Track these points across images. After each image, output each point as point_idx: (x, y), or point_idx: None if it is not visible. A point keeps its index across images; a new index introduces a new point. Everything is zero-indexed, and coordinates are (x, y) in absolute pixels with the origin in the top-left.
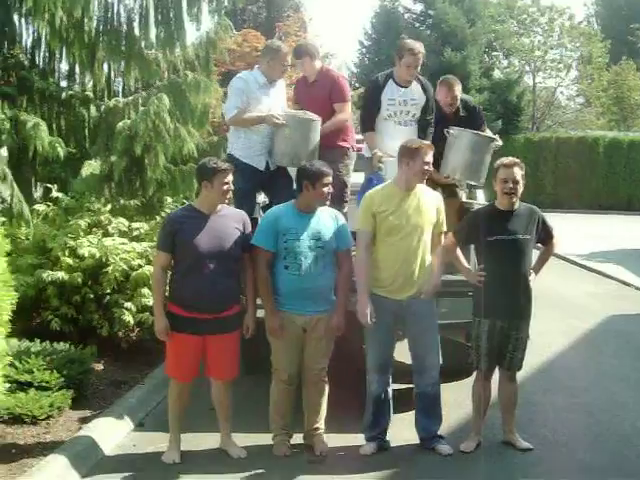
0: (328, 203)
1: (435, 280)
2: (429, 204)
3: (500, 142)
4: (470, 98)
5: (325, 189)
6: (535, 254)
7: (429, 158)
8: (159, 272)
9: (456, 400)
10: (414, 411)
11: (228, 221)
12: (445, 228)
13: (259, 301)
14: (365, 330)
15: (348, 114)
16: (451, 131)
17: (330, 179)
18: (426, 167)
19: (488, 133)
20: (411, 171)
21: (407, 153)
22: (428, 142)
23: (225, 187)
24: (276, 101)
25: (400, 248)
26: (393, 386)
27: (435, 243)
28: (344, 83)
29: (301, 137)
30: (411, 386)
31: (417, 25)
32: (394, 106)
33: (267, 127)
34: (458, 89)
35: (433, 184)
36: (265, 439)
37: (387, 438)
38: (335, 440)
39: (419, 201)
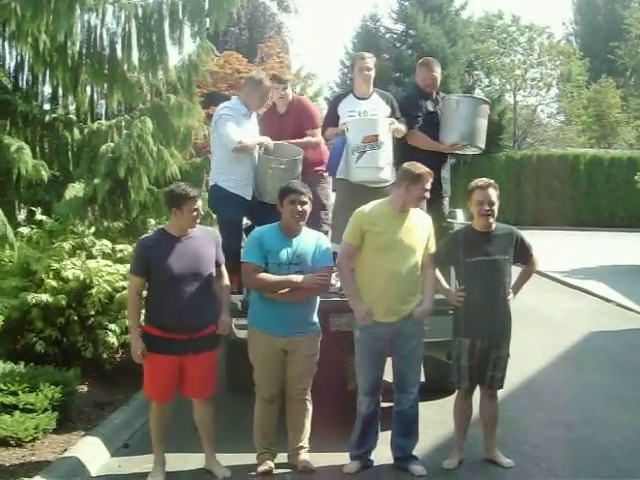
0: (302, 223)
1: (427, 304)
2: (420, 226)
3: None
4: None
5: (293, 206)
6: (516, 271)
7: (429, 185)
8: (134, 296)
9: (439, 418)
10: (391, 430)
11: (200, 242)
12: (434, 250)
13: (244, 321)
14: (356, 354)
15: (320, 138)
16: (453, 97)
17: (304, 198)
18: (425, 194)
19: None
20: (410, 195)
21: (409, 177)
22: (428, 170)
23: (194, 213)
24: (255, 132)
25: (389, 268)
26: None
27: (426, 265)
28: (314, 109)
29: (293, 176)
30: (392, 404)
31: (398, 45)
32: (354, 117)
33: (251, 158)
34: (437, 70)
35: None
36: (250, 458)
37: (371, 457)
38: (319, 459)
39: (411, 222)
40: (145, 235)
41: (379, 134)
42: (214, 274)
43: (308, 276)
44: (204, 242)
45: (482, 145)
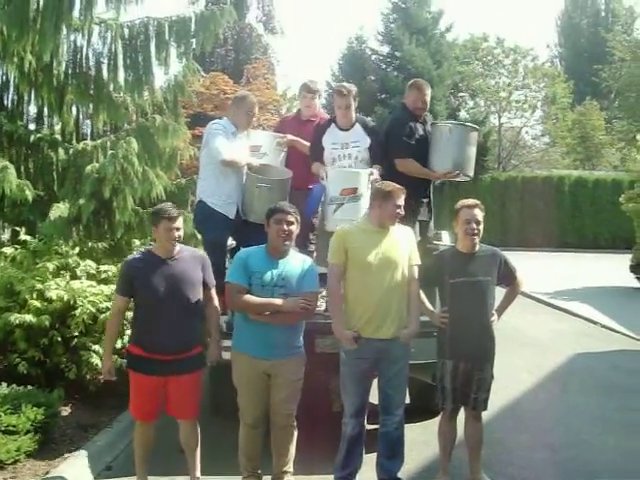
0: (289, 243)
1: (413, 326)
2: (402, 240)
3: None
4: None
5: (279, 226)
6: (501, 293)
7: (401, 201)
8: (115, 315)
9: (423, 439)
10: (377, 452)
11: (186, 264)
12: (418, 261)
13: (228, 342)
14: (342, 376)
15: None
16: (445, 124)
17: (290, 218)
18: (397, 210)
19: None
20: (384, 213)
21: (379, 196)
22: (399, 186)
23: (171, 233)
24: (244, 152)
25: (374, 284)
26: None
27: (409, 279)
28: None
29: (280, 196)
30: (376, 426)
31: (384, 66)
32: (337, 150)
33: (237, 178)
34: (428, 92)
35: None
36: None
37: (356, 479)
38: None
39: (392, 237)
40: (131, 256)
41: (358, 187)
42: (200, 296)
43: (291, 300)
44: (190, 264)
45: (471, 173)
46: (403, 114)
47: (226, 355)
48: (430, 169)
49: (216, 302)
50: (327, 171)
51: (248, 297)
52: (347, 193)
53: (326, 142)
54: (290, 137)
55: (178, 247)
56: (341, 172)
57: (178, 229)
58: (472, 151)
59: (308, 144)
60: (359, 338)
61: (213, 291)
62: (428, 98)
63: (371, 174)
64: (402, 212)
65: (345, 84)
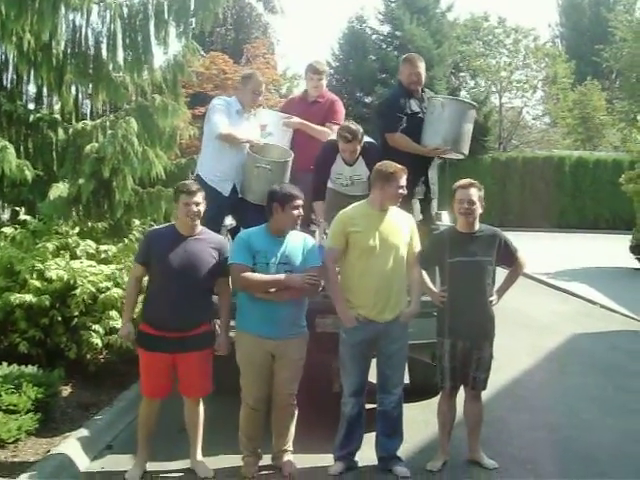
0: (298, 227)
1: (414, 306)
2: (402, 224)
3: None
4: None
5: (295, 212)
6: (502, 274)
7: (403, 181)
8: (132, 282)
9: (423, 419)
10: (376, 431)
11: (204, 245)
12: (419, 247)
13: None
14: (341, 355)
15: (333, 134)
16: (439, 98)
17: (300, 202)
18: (400, 191)
19: None
20: (385, 194)
21: (381, 177)
22: (401, 167)
23: (187, 208)
24: (251, 131)
25: (376, 268)
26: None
27: (411, 264)
28: (340, 107)
29: (279, 178)
30: (375, 406)
31: (384, 46)
32: (341, 179)
33: (236, 156)
34: (421, 65)
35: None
36: (235, 460)
37: (356, 459)
38: (304, 460)
39: (392, 221)
40: (154, 227)
41: (267, 125)
42: (212, 279)
43: (297, 275)
44: (207, 245)
45: (466, 151)
46: (397, 90)
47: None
48: (422, 144)
49: (229, 291)
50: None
51: (254, 275)
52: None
53: (332, 170)
54: (297, 120)
55: (201, 228)
56: (260, 111)
57: (197, 204)
58: (466, 128)
59: (315, 126)
60: (360, 317)
61: (228, 280)
62: (422, 71)
63: (286, 117)
64: (405, 192)
65: (351, 126)
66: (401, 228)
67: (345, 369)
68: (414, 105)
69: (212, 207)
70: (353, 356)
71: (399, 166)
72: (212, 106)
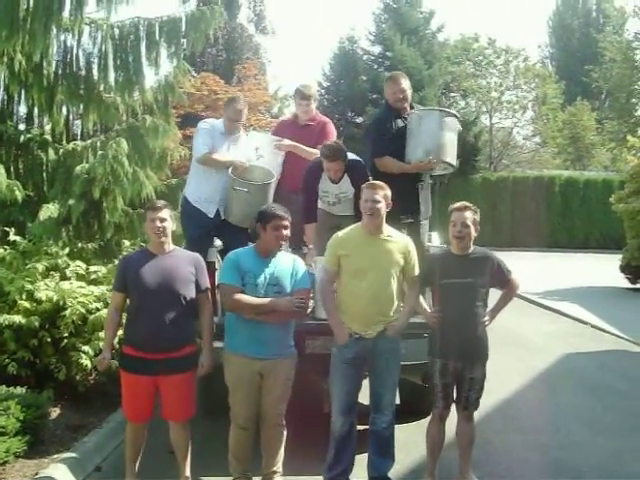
0: (285, 245)
1: (402, 320)
2: (396, 247)
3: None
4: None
5: (277, 232)
6: (494, 295)
7: (378, 196)
8: (111, 311)
9: (413, 440)
10: (368, 451)
11: (178, 261)
12: (417, 273)
13: (219, 344)
14: (331, 373)
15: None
16: (414, 112)
17: (284, 222)
18: (370, 204)
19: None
20: (363, 209)
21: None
22: (375, 182)
23: (152, 224)
24: (237, 154)
25: (365, 290)
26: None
27: (409, 286)
28: (331, 128)
29: (259, 200)
30: (367, 427)
31: (375, 67)
32: (328, 197)
33: (221, 179)
34: (405, 82)
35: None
36: None
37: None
38: None
39: (385, 244)
40: (127, 253)
41: (259, 147)
42: (191, 295)
43: (287, 299)
44: (182, 262)
45: (451, 160)
46: (383, 112)
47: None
48: (406, 161)
49: (210, 307)
50: (315, 260)
51: (244, 297)
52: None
53: (319, 189)
54: (287, 142)
55: (172, 246)
56: (251, 134)
57: (162, 220)
58: (447, 136)
59: (306, 148)
60: (353, 332)
61: (207, 296)
62: (405, 87)
63: (277, 140)
64: (379, 206)
65: (332, 145)
66: (393, 251)
67: (335, 387)
68: (400, 124)
69: (196, 228)
70: (343, 373)
71: (374, 182)
72: (197, 129)
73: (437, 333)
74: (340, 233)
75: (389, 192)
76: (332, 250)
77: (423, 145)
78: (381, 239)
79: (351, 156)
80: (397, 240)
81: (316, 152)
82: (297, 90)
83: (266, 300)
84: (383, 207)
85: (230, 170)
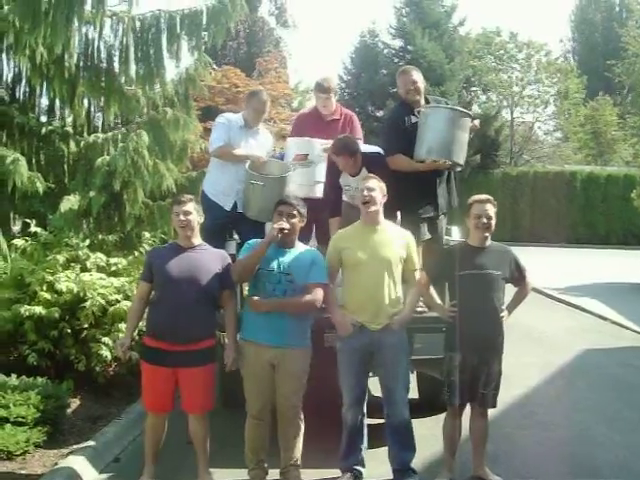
0: (289, 235)
1: (406, 313)
2: (395, 239)
3: (477, 122)
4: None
5: (279, 217)
6: (509, 292)
7: (370, 184)
8: (135, 300)
9: (432, 434)
10: (388, 444)
11: (205, 256)
12: (418, 266)
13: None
14: (339, 365)
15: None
16: (422, 110)
17: (291, 211)
18: (365, 192)
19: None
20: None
21: None
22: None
23: (177, 218)
24: (256, 148)
25: (366, 280)
26: (368, 420)
27: (410, 282)
28: (357, 121)
29: (276, 194)
30: (383, 420)
31: (396, 60)
32: (350, 190)
33: (237, 172)
34: (416, 74)
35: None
36: (242, 474)
37: (362, 469)
38: (312, 475)
39: (384, 236)
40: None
41: (309, 153)
42: (215, 290)
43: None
44: (209, 257)
45: (458, 160)
46: (396, 109)
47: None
48: (414, 159)
49: (234, 304)
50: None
51: (241, 259)
52: (299, 159)
53: (341, 183)
54: None
55: (200, 241)
56: (296, 140)
57: (187, 213)
58: (456, 135)
59: None
60: (355, 323)
61: (231, 292)
62: (416, 78)
63: (324, 144)
64: (374, 194)
65: (341, 140)
66: (393, 242)
67: (343, 378)
68: (414, 119)
69: (212, 220)
70: (350, 364)
71: (369, 174)
72: (214, 123)
73: (455, 327)
74: (341, 230)
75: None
76: (333, 245)
77: (427, 142)
78: (378, 230)
79: (371, 148)
80: (395, 232)
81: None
82: (317, 83)
83: (260, 248)
84: (378, 196)
85: (247, 165)
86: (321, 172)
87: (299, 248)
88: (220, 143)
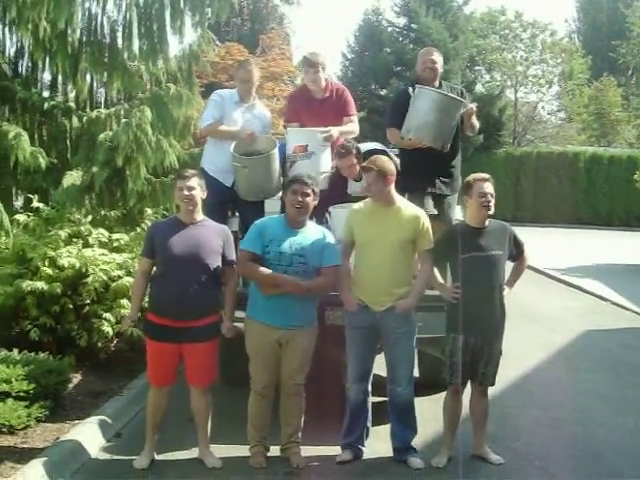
0: (304, 214)
1: (411, 299)
2: (407, 219)
3: (472, 106)
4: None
5: (294, 197)
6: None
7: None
8: (138, 275)
9: (432, 413)
10: (390, 422)
11: (207, 231)
12: (429, 246)
13: (240, 313)
14: (346, 340)
15: (357, 125)
16: (416, 89)
17: (306, 189)
18: (352, 168)
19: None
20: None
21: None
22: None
23: (180, 192)
24: (251, 123)
25: (370, 262)
26: (372, 398)
27: (421, 259)
28: (349, 95)
29: (259, 175)
30: (386, 398)
31: (400, 39)
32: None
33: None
34: (436, 55)
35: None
36: (243, 450)
37: (363, 447)
38: (312, 452)
39: (396, 216)
40: (157, 220)
41: (309, 144)
42: (217, 266)
43: (292, 279)
44: (210, 232)
45: (435, 144)
46: (405, 85)
47: (238, 325)
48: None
49: (235, 279)
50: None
51: (255, 266)
52: (299, 150)
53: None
54: (335, 131)
55: (202, 216)
56: (294, 130)
57: (190, 188)
58: (434, 117)
59: (344, 128)
60: (361, 302)
61: (233, 267)
62: (435, 59)
63: (324, 132)
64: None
65: (344, 144)
66: (403, 223)
67: (349, 354)
68: None
69: (213, 196)
70: (355, 340)
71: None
72: (208, 100)
73: (457, 308)
74: (355, 205)
75: (392, 166)
76: (347, 221)
77: (407, 122)
78: (391, 211)
79: (369, 146)
80: (407, 211)
81: (353, 128)
82: (305, 58)
83: (274, 274)
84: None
85: (232, 146)
86: (325, 162)
87: (310, 228)
88: (209, 121)
